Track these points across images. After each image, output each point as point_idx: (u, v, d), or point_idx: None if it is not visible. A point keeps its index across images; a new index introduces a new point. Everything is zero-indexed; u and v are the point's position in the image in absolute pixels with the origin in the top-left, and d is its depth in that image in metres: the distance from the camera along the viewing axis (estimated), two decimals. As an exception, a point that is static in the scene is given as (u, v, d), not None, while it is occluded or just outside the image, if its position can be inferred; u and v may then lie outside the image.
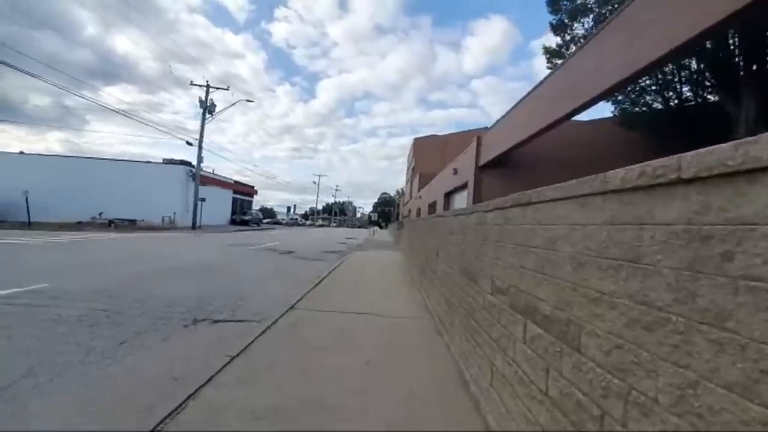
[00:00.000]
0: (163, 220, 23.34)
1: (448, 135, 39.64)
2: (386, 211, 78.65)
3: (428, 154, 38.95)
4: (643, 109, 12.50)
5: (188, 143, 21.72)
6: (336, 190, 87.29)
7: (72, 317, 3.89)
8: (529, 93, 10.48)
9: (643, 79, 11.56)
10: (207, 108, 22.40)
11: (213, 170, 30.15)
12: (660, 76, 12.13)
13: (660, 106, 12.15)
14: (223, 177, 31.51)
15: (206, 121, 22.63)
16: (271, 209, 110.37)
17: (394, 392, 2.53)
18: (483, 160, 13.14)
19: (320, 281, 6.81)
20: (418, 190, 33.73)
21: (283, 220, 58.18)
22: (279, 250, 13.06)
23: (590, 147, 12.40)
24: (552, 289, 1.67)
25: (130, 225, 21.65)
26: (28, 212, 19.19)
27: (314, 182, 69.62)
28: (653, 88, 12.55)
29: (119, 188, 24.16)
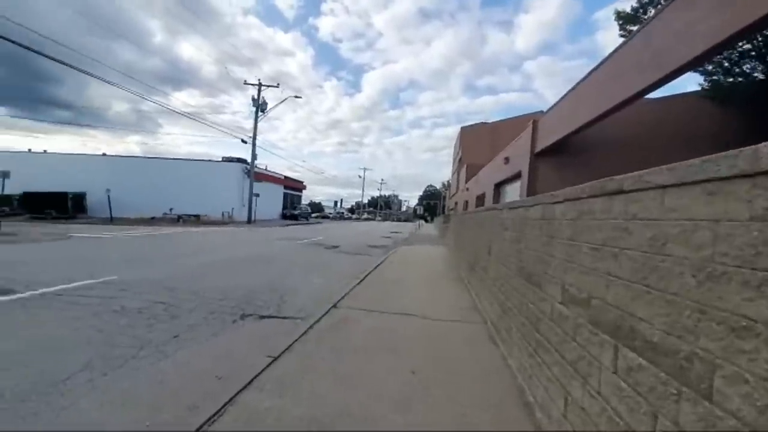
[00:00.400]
0: (222, 215, 25.17)
1: (498, 122, 37.55)
2: (432, 204, 77.44)
3: (476, 143, 37.26)
4: (739, 79, 10.49)
5: (243, 141, 23.06)
6: (381, 183, 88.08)
7: (133, 309, 4.14)
8: (597, 67, 9.29)
9: (741, 43, 9.67)
10: (259, 106, 23.52)
11: (266, 167, 31.85)
12: (761, 39, 10.06)
13: (762, 76, 10.11)
14: (275, 173, 33.13)
15: (259, 119, 23.83)
16: (319, 204, 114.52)
17: (442, 409, 2.23)
18: (539, 147, 12.07)
19: (365, 277, 6.67)
20: (465, 182, 32.45)
21: (330, 214, 60.00)
22: (325, 244, 13.28)
23: (666, 128, 10.76)
24: (660, 307, 1.24)
25: (195, 220, 23.64)
26: (110, 209, 21.75)
27: (359, 176, 70.67)
28: (752, 53, 10.47)
29: (185, 186, 26.49)
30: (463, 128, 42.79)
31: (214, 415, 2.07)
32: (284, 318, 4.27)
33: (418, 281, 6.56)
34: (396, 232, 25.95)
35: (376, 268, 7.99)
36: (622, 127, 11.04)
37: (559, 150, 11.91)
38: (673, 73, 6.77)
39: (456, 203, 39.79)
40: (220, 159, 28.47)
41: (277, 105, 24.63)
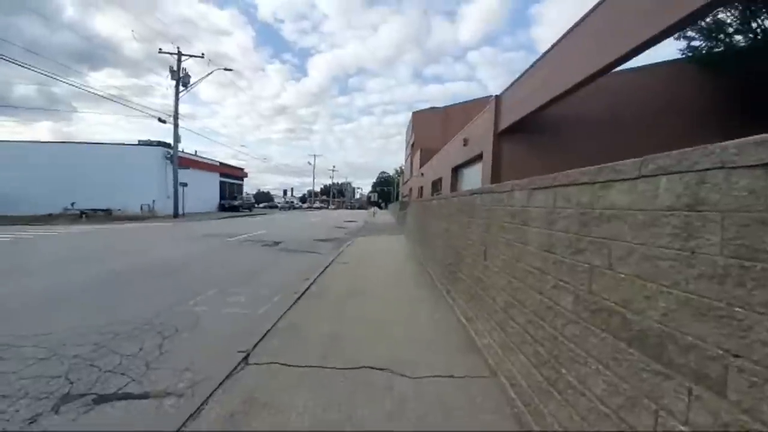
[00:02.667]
0: (141, 208, 21.22)
1: (450, 107, 36.90)
2: (385, 190, 76.40)
3: (429, 128, 36.36)
4: (720, 47, 10.09)
5: (161, 121, 19.24)
6: (333, 170, 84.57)
7: None
8: (566, 34, 8.18)
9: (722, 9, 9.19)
10: (180, 79, 19.78)
11: (195, 152, 27.73)
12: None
13: (744, 43, 9.74)
14: (208, 159, 29.04)
15: (181, 94, 20.08)
16: (268, 193, 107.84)
17: None
18: (503, 125, 10.95)
19: (306, 289, 4.84)
20: (419, 167, 31.45)
21: (279, 204, 55.98)
22: (264, 240, 11.06)
23: (644, 101, 10.15)
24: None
25: (104, 215, 19.57)
26: (-12, 205, 17.08)
27: (309, 163, 66.81)
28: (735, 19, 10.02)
29: (93, 175, 21.88)
30: (414, 113, 41.68)
31: None
32: (142, 398, 2.34)
33: (379, 292, 4.89)
34: (350, 221, 24.10)
35: (324, 271, 6.18)
36: (597, 101, 10.24)
37: (525, 128, 10.87)
38: (654, 38, 5.84)
39: (410, 189, 38.81)
40: (137, 142, 23.96)
41: (202, 79, 20.81)
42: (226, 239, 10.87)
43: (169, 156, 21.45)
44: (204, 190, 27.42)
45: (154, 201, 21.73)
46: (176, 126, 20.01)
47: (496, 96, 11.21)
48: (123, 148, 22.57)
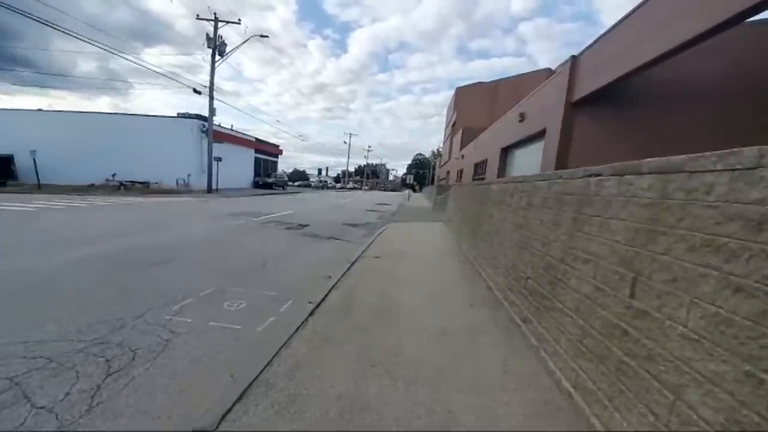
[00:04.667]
0: (177, 182, 21.30)
1: (499, 81, 33.68)
2: (421, 173, 73.97)
3: (473, 105, 33.53)
4: None
5: (195, 91, 18.73)
6: (368, 150, 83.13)
7: None
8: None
9: None
10: (216, 47, 19.02)
11: (231, 126, 27.43)
12: None
13: None
14: (244, 134, 28.69)
15: (217, 63, 19.38)
16: (303, 172, 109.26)
17: None
18: (579, 94, 8.86)
19: (321, 302, 3.60)
20: (460, 149, 29.16)
21: (313, 183, 55.87)
22: (290, 222, 10.07)
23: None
24: None
25: (142, 188, 19.80)
26: (37, 173, 17.72)
27: (345, 142, 65.81)
28: None
29: (135, 147, 22.21)
30: (458, 88, 38.68)
31: None
32: None
33: (420, 309, 3.54)
34: (383, 204, 22.82)
35: (350, 268, 4.94)
36: (704, 65, 7.85)
37: (604, 99, 8.74)
38: None
39: (448, 172, 36.55)
40: (176, 115, 23.95)
41: (238, 46, 19.89)
42: (250, 219, 10.00)
43: (204, 129, 21.14)
44: (239, 166, 27.27)
45: (189, 175, 21.73)
46: (211, 98, 19.46)
47: (573, 56, 9.05)
48: (161, 120, 22.59)
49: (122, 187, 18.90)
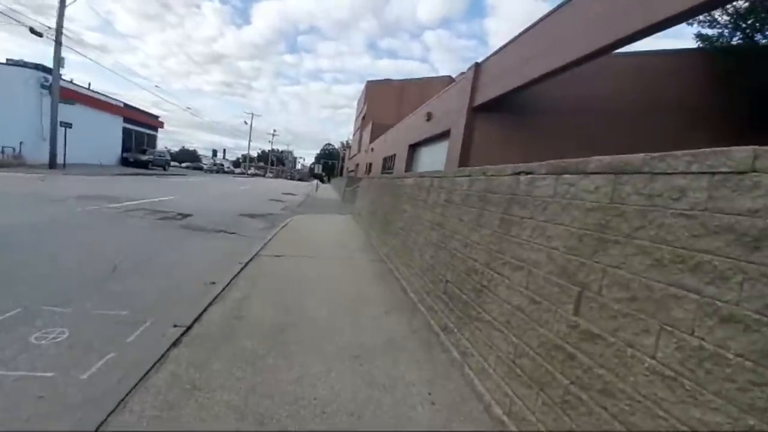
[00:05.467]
0: (2, 152, 15.70)
1: (407, 81, 34.96)
2: (330, 163, 72.49)
3: (382, 101, 34.09)
4: (736, 40, 9.45)
5: (34, 32, 13.86)
6: (273, 134, 77.30)
7: None
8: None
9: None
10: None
11: (89, 85, 21.57)
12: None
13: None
14: (108, 96, 22.91)
15: (69, 1, 14.72)
16: (194, 152, 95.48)
17: None
18: (480, 99, 9.44)
19: (194, 322, 2.70)
20: (370, 142, 29.31)
21: (205, 165, 48.96)
22: (166, 210, 8.21)
23: (634, 90, 9.29)
24: None
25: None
26: None
27: (246, 122, 59.70)
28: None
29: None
30: (368, 82, 38.90)
31: None
32: None
33: (329, 322, 2.98)
34: (288, 193, 21.25)
35: (243, 269, 4.03)
36: (584, 85, 9.17)
37: (502, 107, 9.53)
38: (669, 20, 4.94)
39: (357, 165, 36.53)
40: (5, 61, 17.54)
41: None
42: (106, 205, 7.77)
43: (47, 84, 16.00)
44: (100, 137, 21.70)
45: (21, 143, 16.25)
46: (58, 42, 14.73)
47: (476, 63, 9.58)
48: (-28, 65, 16.24)
49: None
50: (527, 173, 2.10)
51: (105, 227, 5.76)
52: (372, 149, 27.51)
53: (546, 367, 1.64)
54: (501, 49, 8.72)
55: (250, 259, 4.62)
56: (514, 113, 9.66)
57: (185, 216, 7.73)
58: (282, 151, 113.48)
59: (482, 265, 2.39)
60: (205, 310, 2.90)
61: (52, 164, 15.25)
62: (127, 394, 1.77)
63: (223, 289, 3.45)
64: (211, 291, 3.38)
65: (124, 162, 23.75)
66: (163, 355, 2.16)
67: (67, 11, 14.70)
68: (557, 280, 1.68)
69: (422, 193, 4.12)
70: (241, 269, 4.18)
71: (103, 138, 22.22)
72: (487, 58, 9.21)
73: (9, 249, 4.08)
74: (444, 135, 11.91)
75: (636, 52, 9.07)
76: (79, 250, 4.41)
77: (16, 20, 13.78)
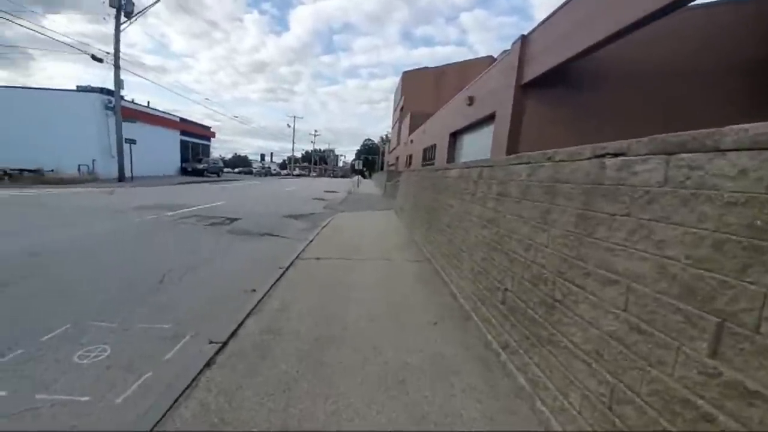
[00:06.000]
0: (79, 169, 17.77)
1: (445, 66, 33.64)
2: (370, 159, 72.91)
3: (420, 90, 33.20)
4: None
5: (95, 59, 15.42)
6: (315, 135, 79.49)
7: None
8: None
9: None
10: (121, 5, 15.74)
11: (148, 103, 23.64)
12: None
13: None
14: (165, 113, 24.95)
15: (124, 25, 16.11)
16: (245, 157, 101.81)
17: None
18: (529, 75, 8.53)
19: (230, 338, 2.55)
20: (409, 134, 28.70)
21: (254, 169, 51.80)
22: (215, 216, 8.55)
23: (716, 50, 7.82)
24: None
25: (33, 177, 16.15)
26: None
27: (289, 125, 61.97)
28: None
29: (21, 127, 18.00)
30: (405, 72, 38.08)
31: None
32: None
33: (373, 336, 2.69)
34: (331, 191, 21.55)
35: (283, 275, 3.90)
36: (655, 48, 7.88)
37: (555, 81, 8.51)
38: None
39: (397, 158, 36.09)
40: (75, 88, 19.84)
41: (150, 6, 16.76)
42: (163, 213, 8.27)
43: (110, 105, 17.76)
44: (160, 150, 23.75)
45: (94, 161, 18.26)
46: (117, 66, 16.24)
47: (523, 36, 8.66)
48: (55, 94, 18.52)
49: (6, 176, 15.15)
50: (615, 155, 1.59)
51: (158, 236, 6.04)
52: (411, 141, 26.90)
53: (664, 427, 1.17)
54: (551, 15, 7.75)
55: (291, 264, 4.50)
56: (570, 88, 8.60)
57: (233, 220, 7.96)
58: (324, 151, 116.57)
59: (553, 274, 1.92)
60: (242, 323, 2.76)
61: (121, 178, 16.91)
62: (154, 426, 1.61)
63: (263, 297, 3.31)
64: (250, 299, 3.26)
65: (183, 171, 25.84)
66: (195, 378, 2.01)
67: (127, 37, 16.00)
68: (678, 304, 1.19)
69: (469, 185, 3.65)
70: (282, 275, 4.06)
71: (163, 151, 24.30)
72: (535, 29, 8.26)
73: (68, 262, 4.35)
74: (489, 119, 11.08)
75: (708, 3, 7.59)
76: (133, 260, 4.60)
77: (80, 49, 15.26)
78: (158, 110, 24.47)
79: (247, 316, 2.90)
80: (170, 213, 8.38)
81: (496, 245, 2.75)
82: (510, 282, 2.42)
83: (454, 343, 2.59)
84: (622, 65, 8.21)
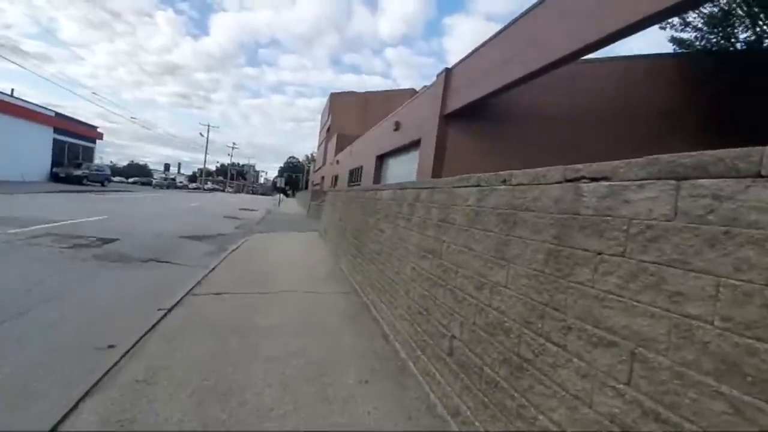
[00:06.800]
0: None
1: (370, 93, 34.73)
2: (294, 177, 70.23)
3: (347, 112, 33.47)
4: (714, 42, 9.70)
5: None
6: (233, 147, 73.65)
7: None
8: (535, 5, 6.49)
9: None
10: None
11: (12, 91, 18.72)
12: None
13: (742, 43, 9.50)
14: (33, 105, 19.95)
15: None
16: (145, 166, 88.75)
17: None
18: (452, 107, 8.91)
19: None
20: (335, 154, 28.34)
21: (155, 180, 45.02)
22: (83, 235, 6.67)
23: (612, 97, 9.20)
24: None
25: None
26: None
27: (202, 134, 56.27)
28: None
29: None
30: (333, 94, 38.25)
31: None
32: None
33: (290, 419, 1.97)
34: (248, 209, 19.58)
35: (157, 325, 2.87)
36: (557, 93, 8.93)
37: (476, 114, 9.08)
38: (639, 23, 4.71)
39: (323, 178, 35.26)
40: None
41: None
42: (6, 230, 6.10)
43: (-58, 88, 13.39)
44: (23, 150, 18.75)
45: None
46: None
47: (447, 69, 9.09)
48: None
49: None
50: (593, 179, 1.30)
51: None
52: (337, 161, 26.55)
53: None
54: (474, 52, 8.27)
55: (178, 302, 3.46)
56: (490, 121, 9.23)
57: (107, 242, 6.25)
58: (243, 165, 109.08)
59: (518, 324, 1.54)
60: (71, 410, 1.78)
61: (-49, 181, 12.64)
62: None
63: (120, 359, 2.31)
64: (100, 363, 2.24)
65: (55, 177, 20.74)
66: None
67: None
68: (718, 385, 0.85)
69: (404, 208, 3.26)
70: (161, 319, 3.03)
71: (27, 150, 19.19)
72: (459, 63, 8.74)
73: None
74: (414, 145, 11.31)
75: (612, 57, 9.09)
76: None
77: None
78: (24, 100, 19.51)
79: (86, 394, 1.91)
80: (14, 230, 6.23)
81: (439, 280, 2.34)
82: (458, 328, 2.00)
83: (391, 410, 2.03)
84: (530, 106, 9.14)
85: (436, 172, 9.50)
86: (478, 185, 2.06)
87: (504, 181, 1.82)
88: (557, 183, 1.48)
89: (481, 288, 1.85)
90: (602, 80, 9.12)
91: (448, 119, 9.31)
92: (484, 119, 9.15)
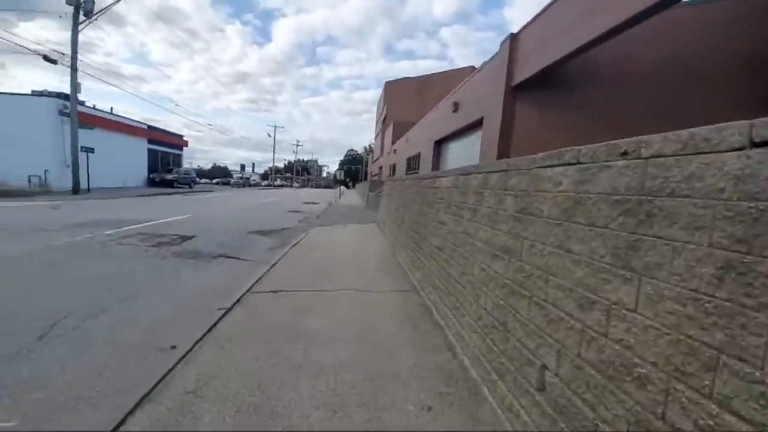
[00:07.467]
0: (29, 181, 16.00)
1: (426, 76, 33.44)
2: (353, 169, 72.05)
3: (403, 100, 32.78)
4: None
5: (48, 59, 13.93)
6: (297, 145, 78.09)
7: None
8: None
9: None
10: (79, 2, 14.39)
11: (111, 109, 22.00)
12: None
13: None
14: (130, 119, 23.27)
15: (82, 25, 14.73)
16: (225, 168, 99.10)
17: None
18: (520, 77, 7.87)
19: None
20: (392, 143, 28.03)
21: (232, 180, 49.87)
22: (165, 233, 7.34)
23: (712, 48, 7.38)
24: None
25: (-31, 189, 14.33)
26: None
27: (269, 135, 60.52)
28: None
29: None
30: (387, 83, 37.76)
31: None
32: None
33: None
34: (311, 202, 20.42)
35: (214, 328, 2.84)
36: (649, 47, 7.37)
37: (545, 83, 7.91)
38: None
39: (381, 168, 35.33)
40: (29, 93, 18.12)
41: (111, 5, 15.49)
42: (102, 232, 6.99)
43: (66, 111, 16.18)
44: (124, 160, 22.00)
45: (46, 171, 16.52)
46: (74, 69, 14.77)
47: (512, 34, 8.03)
48: (2, 98, 16.78)
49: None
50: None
51: (78, 263, 4.83)
52: (394, 150, 26.23)
53: None
54: (542, 12, 7.13)
55: (237, 301, 3.44)
56: (566, 90, 7.99)
57: (185, 239, 6.78)
58: (307, 161, 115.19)
59: (664, 373, 0.99)
60: (121, 422, 1.70)
61: (76, 190, 15.26)
62: None
63: (176, 364, 2.25)
64: (157, 368, 2.20)
65: (151, 182, 24.06)
66: None
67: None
68: None
69: (468, 197, 2.75)
70: (219, 319, 3.00)
71: (128, 160, 22.55)
72: (527, 26, 7.63)
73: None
74: (475, 125, 10.40)
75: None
76: (21, 299, 3.43)
77: (32, 50, 13.81)
78: (122, 117, 22.79)
79: (136, 406, 1.84)
80: (110, 231, 7.10)
81: (519, 288, 1.82)
82: (553, 358, 1.49)
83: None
84: (618, 66, 7.66)
85: (503, 154, 8.57)
86: (577, 162, 1.49)
87: (625, 154, 1.24)
88: (735, 150, 0.88)
89: (590, 308, 1.31)
90: (704, 25, 7.23)
91: (515, 92, 8.26)
92: (557, 88, 7.94)
